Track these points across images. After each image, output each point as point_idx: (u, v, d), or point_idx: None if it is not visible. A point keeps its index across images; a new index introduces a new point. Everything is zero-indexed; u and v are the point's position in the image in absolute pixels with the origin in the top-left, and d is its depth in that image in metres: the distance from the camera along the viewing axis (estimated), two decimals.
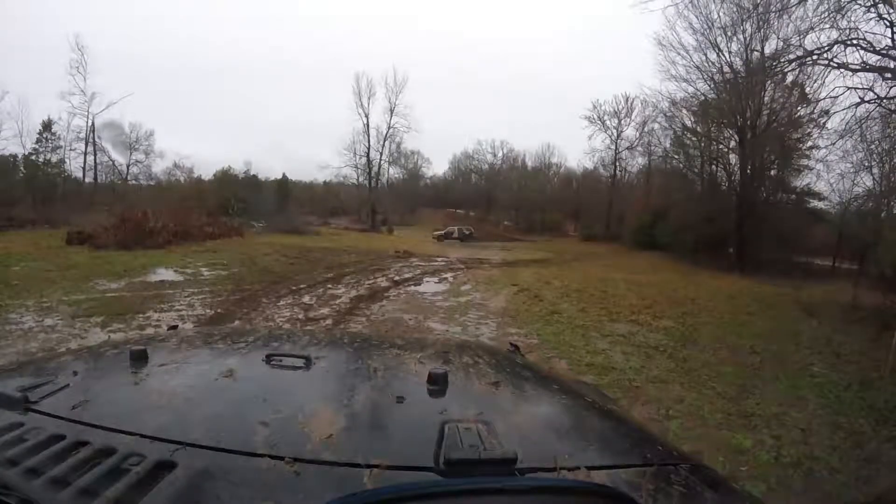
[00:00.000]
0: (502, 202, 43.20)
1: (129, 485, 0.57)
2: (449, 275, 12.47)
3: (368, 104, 38.25)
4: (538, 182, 44.18)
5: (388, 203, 42.12)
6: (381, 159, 40.59)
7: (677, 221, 22.14)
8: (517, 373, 1.19)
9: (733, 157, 20.63)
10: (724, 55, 19.05)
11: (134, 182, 32.16)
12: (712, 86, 19.21)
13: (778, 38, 12.32)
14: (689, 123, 23.27)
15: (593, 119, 36.03)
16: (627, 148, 35.55)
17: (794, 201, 20.64)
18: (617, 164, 36.38)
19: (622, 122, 35.59)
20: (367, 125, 38.64)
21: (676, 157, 24.93)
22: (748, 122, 18.63)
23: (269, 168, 45.48)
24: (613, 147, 36.09)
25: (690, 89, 20.52)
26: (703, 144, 21.89)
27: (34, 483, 0.56)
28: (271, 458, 0.63)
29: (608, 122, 35.86)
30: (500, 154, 46.12)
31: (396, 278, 11.25)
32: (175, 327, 1.66)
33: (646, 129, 33.76)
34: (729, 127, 19.95)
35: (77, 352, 1.30)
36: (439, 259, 16.79)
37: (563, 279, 12.48)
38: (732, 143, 20.52)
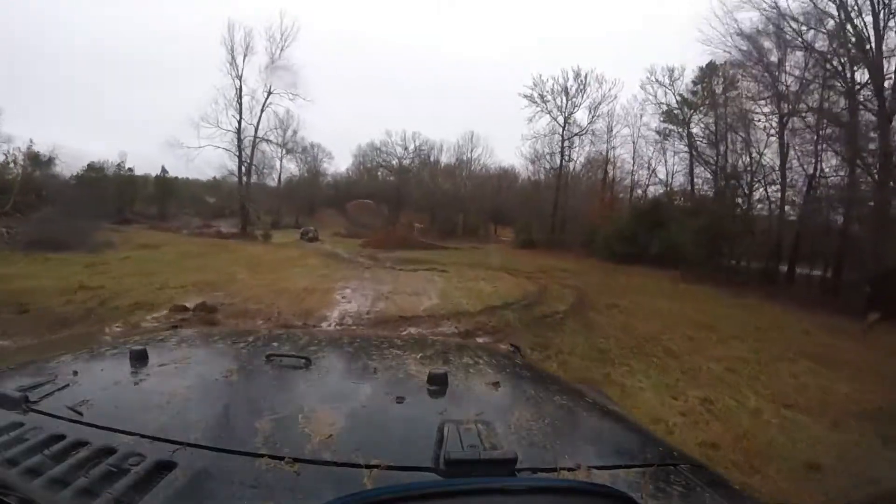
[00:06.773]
0: (414, 202, 34.03)
1: (129, 485, 0.55)
2: None
3: (243, 63, 27.17)
4: (457, 178, 35.66)
5: (267, 199, 32.48)
6: (255, 136, 28.74)
7: (695, 229, 14.79)
8: (517, 373, 1.21)
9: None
10: None
11: None
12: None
13: None
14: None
15: (534, 98, 28.18)
16: (577, 134, 28.10)
17: None
18: (564, 154, 28.55)
19: (571, 101, 27.97)
20: (240, 90, 27.39)
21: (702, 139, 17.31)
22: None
23: (172, 167, 34.16)
24: (560, 133, 28.32)
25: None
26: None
27: (34, 483, 0.54)
28: (271, 458, 0.61)
29: (557, 101, 27.99)
30: (411, 146, 36.45)
31: None
32: (175, 327, 1.58)
33: (601, 110, 26.92)
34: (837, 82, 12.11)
35: (77, 352, 1.15)
36: (316, 315, 6.59)
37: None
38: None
